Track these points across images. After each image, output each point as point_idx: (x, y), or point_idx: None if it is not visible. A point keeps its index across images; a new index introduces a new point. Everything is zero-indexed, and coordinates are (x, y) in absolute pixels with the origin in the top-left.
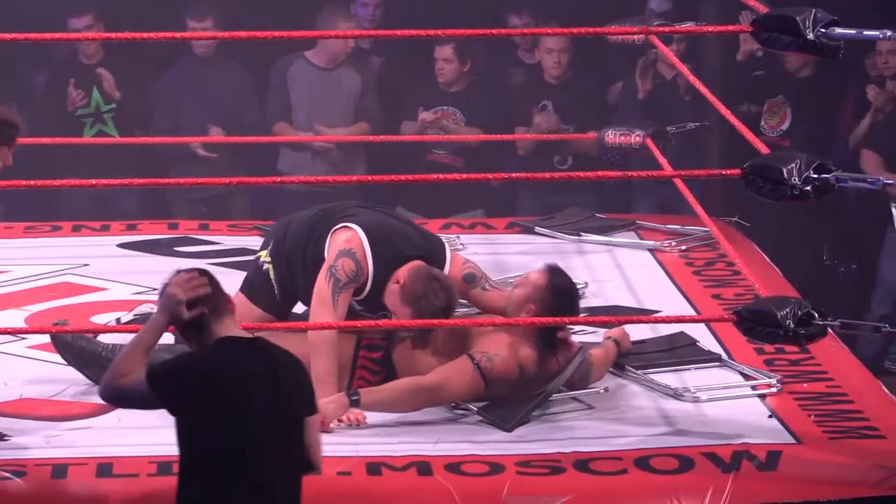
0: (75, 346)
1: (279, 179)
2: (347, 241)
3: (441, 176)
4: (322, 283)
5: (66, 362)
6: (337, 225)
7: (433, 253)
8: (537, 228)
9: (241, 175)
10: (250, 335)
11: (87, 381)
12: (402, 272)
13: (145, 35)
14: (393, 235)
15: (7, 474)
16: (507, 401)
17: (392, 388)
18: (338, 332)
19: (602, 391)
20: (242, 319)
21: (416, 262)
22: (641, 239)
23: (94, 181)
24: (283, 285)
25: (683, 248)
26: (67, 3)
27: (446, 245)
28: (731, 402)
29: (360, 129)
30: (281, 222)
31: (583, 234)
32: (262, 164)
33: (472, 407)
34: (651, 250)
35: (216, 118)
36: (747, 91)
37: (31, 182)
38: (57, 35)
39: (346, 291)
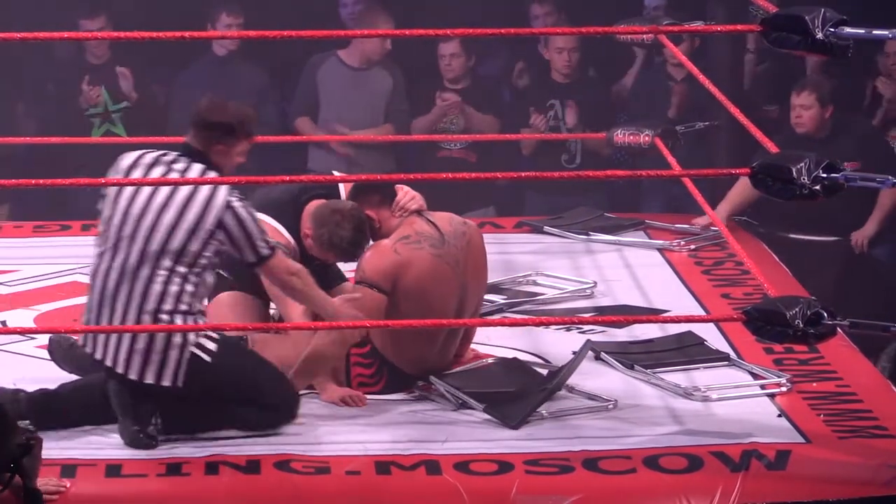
0: (74, 354)
1: (287, 178)
2: None
3: (450, 175)
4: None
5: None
6: None
7: (327, 192)
8: (546, 228)
9: (256, 174)
10: None
11: None
12: (305, 223)
13: (155, 34)
14: (283, 202)
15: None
16: (513, 398)
17: (311, 352)
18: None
19: (611, 405)
20: (231, 311)
21: (312, 204)
22: (650, 238)
23: (103, 179)
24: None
25: (692, 247)
26: (77, 5)
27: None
28: (740, 401)
29: (387, 130)
30: None
31: (591, 233)
32: (282, 163)
33: (478, 405)
34: (660, 250)
35: None
36: (770, 91)
37: (41, 181)
38: (66, 34)
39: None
